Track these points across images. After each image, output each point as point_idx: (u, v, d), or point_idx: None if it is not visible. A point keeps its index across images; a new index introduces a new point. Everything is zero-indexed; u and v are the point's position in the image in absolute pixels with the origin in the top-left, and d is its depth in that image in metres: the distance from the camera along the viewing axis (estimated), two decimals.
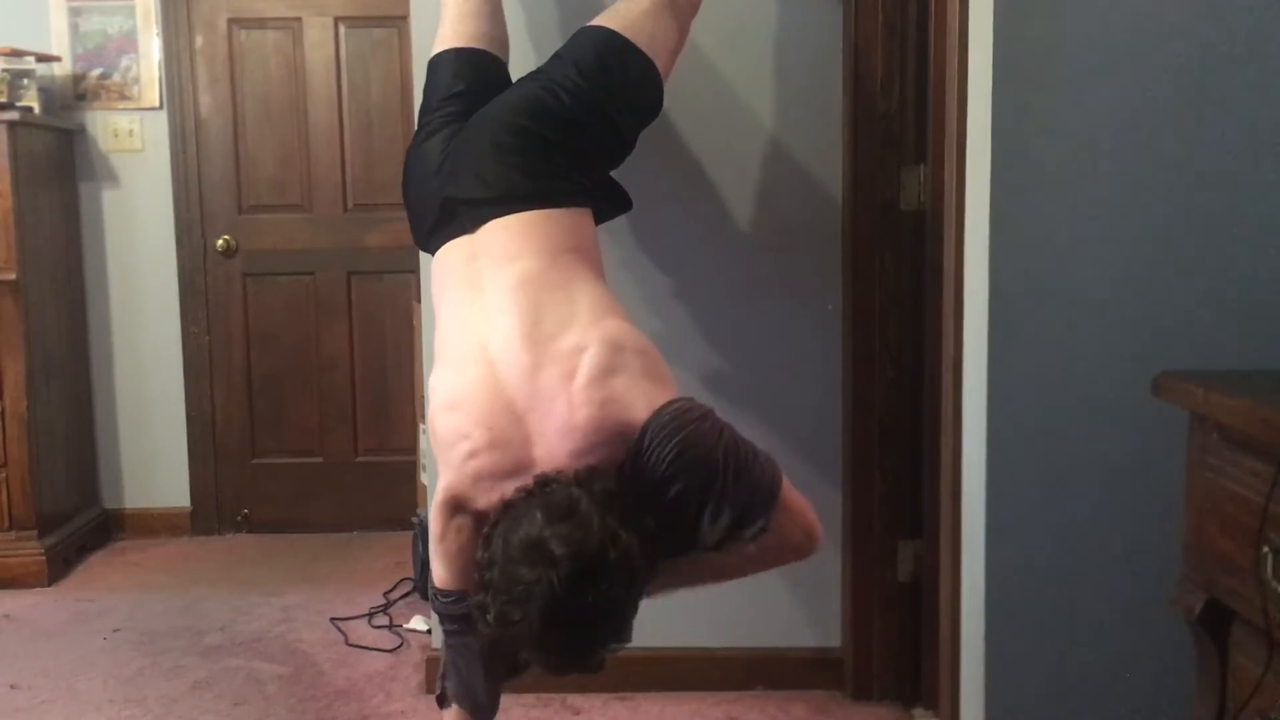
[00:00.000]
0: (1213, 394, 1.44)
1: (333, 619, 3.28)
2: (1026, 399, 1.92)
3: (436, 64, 2.24)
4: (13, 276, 3.51)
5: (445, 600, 1.87)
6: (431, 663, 2.79)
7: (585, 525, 1.61)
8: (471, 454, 1.78)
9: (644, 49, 2.13)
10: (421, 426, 3.10)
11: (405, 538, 3.68)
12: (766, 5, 2.63)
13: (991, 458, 1.94)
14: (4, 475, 3.56)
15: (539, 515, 1.63)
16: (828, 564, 2.70)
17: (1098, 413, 1.91)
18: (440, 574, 1.87)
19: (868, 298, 2.61)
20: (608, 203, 2.16)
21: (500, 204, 1.96)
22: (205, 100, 4.08)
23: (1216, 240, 1.87)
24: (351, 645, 3.11)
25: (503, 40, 2.32)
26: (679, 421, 1.72)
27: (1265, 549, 1.32)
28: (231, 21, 4.06)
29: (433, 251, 2.06)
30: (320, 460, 4.22)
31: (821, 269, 2.68)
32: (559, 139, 2.04)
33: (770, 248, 2.69)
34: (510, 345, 1.81)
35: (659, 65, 2.16)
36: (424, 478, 3.20)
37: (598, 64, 2.09)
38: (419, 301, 2.82)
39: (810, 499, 1.84)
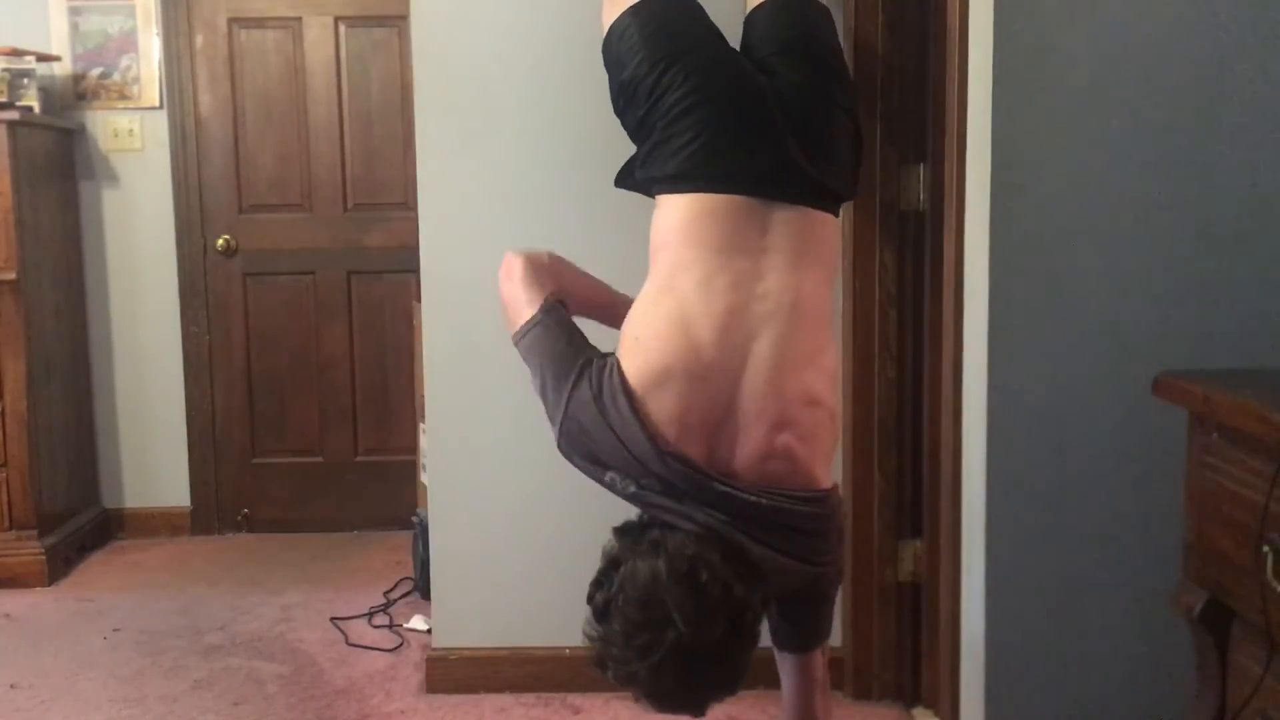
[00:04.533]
0: (1213, 394, 1.44)
1: (333, 618, 3.28)
2: (1026, 399, 1.92)
3: (655, 12, 1.98)
4: (13, 276, 3.51)
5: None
6: (432, 662, 2.79)
7: (707, 592, 1.62)
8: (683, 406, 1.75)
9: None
10: (421, 426, 3.10)
11: (405, 537, 3.69)
12: None
13: (991, 458, 1.94)
14: (4, 475, 3.56)
15: (665, 572, 1.62)
16: None
17: (1098, 413, 1.91)
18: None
19: (868, 298, 2.61)
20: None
21: (821, 196, 1.90)
22: (205, 100, 4.08)
23: (1216, 240, 1.87)
24: (351, 645, 3.11)
25: None
26: (840, 510, 1.89)
27: (1265, 549, 1.32)
28: (231, 21, 4.06)
29: (671, 190, 1.89)
30: (320, 460, 4.22)
31: None
32: (856, 140, 2.03)
33: None
34: (767, 359, 1.80)
35: None
36: (424, 477, 3.19)
37: (841, 58, 2.10)
38: (419, 301, 2.82)
39: None
